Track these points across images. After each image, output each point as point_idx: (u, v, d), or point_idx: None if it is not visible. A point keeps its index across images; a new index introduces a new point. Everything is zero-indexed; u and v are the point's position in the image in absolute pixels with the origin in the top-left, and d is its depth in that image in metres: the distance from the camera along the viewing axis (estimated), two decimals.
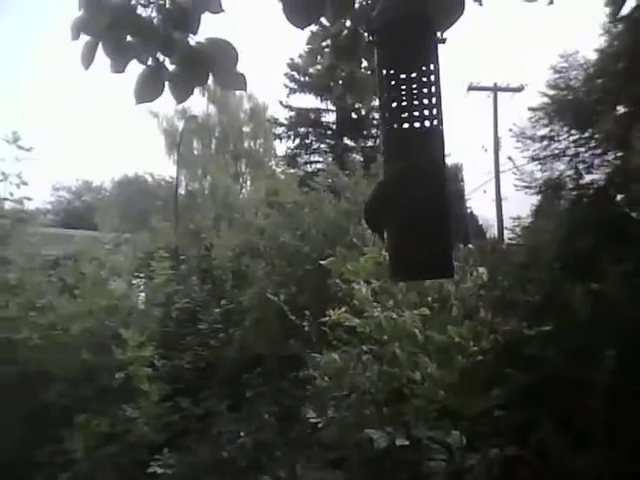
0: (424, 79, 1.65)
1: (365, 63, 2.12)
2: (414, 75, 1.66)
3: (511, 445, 2.88)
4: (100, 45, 1.74)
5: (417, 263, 1.63)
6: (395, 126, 1.67)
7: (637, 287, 3.94)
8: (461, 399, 2.90)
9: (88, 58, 1.76)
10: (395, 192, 1.62)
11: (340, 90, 2.28)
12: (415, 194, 1.60)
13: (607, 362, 3.29)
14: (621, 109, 6.63)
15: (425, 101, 1.65)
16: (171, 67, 1.77)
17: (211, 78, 1.75)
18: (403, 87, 1.66)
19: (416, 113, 1.65)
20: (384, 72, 1.67)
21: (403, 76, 1.66)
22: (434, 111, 1.66)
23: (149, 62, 1.76)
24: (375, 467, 3.03)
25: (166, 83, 1.76)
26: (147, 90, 1.74)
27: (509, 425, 3.07)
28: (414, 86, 1.66)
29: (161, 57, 1.76)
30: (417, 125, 1.65)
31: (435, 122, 1.66)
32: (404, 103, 1.67)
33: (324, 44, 2.37)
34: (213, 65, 1.71)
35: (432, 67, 1.66)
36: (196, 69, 1.71)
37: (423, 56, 1.67)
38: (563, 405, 3.23)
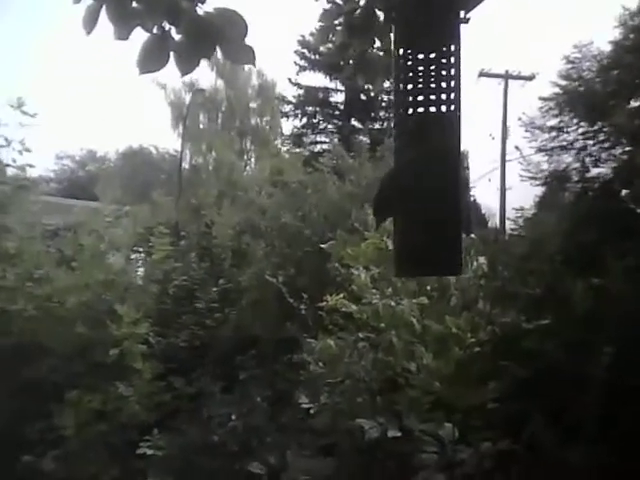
0: (443, 61, 1.54)
1: (378, 43, 2.02)
2: (433, 56, 1.55)
3: (503, 439, 2.83)
4: (104, 10, 1.66)
5: (425, 258, 1.54)
6: (410, 110, 1.57)
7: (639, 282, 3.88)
8: (456, 391, 2.85)
9: (90, 23, 1.67)
10: (406, 182, 1.53)
11: (350, 70, 2.18)
12: (427, 185, 1.51)
13: (604, 358, 3.23)
14: (635, 103, 6.51)
15: (443, 84, 1.55)
16: (177, 37, 1.68)
17: (219, 50, 1.67)
18: (420, 68, 1.56)
19: (433, 97, 1.55)
20: (401, 52, 1.57)
21: (421, 57, 1.56)
22: (452, 95, 1.55)
23: (154, 30, 1.67)
24: (366, 456, 2.98)
25: (171, 53, 1.67)
26: (151, 60, 1.65)
27: (502, 418, 3.02)
28: (432, 68, 1.55)
29: (167, 26, 1.67)
30: (433, 109, 1.54)
31: (452, 107, 1.55)
32: (420, 86, 1.56)
33: (336, 22, 2.26)
34: (221, 37, 1.62)
35: (453, 48, 1.55)
36: (203, 40, 1.62)
37: (444, 36, 1.56)
38: (558, 399, 3.18)
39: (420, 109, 1.55)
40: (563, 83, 16.90)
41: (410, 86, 1.57)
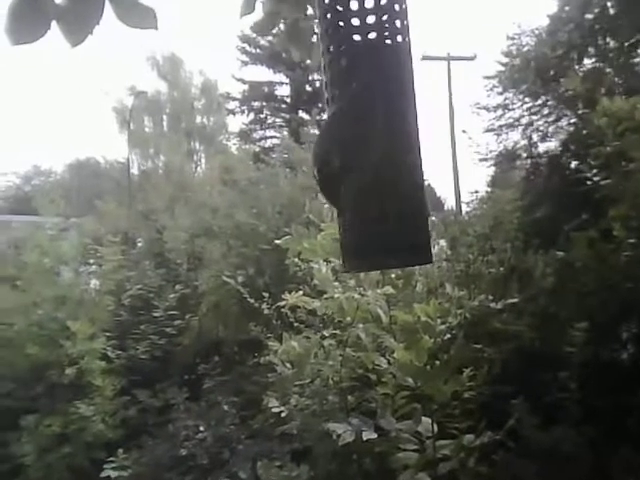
0: None
1: (311, 11, 1.84)
2: None
3: (484, 428, 2.74)
4: None
5: (381, 245, 1.16)
6: (342, 48, 1.21)
7: (603, 253, 3.85)
8: (430, 383, 2.73)
9: None
10: (349, 146, 1.16)
11: (284, 41, 1.97)
12: (374, 136, 1.15)
13: (577, 333, 3.18)
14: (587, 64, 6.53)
15: (384, 13, 1.19)
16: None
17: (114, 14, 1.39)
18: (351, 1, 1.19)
19: (371, 29, 1.19)
20: None
21: None
22: (397, 23, 1.21)
23: None
24: (341, 461, 2.85)
25: (55, 22, 1.37)
26: (25, 27, 1.30)
27: (481, 406, 2.93)
28: None
29: None
30: (374, 43, 1.20)
31: (400, 37, 1.21)
32: (355, 21, 1.20)
33: None
34: None
35: None
36: (89, 0, 1.36)
37: None
38: (536, 380, 3.11)
39: (356, 37, 1.20)
40: (505, 60, 17.14)
41: (340, 21, 1.21)
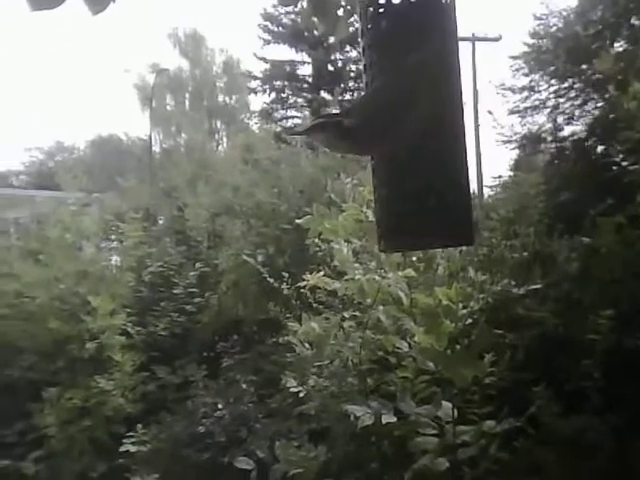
0: None
1: None
2: None
3: (505, 414, 2.70)
4: None
5: (421, 223, 1.10)
6: (380, 10, 1.13)
7: (630, 239, 3.76)
8: (451, 367, 2.69)
9: None
10: (389, 107, 1.06)
11: (308, 14, 1.90)
12: (421, 109, 1.06)
13: (604, 321, 3.11)
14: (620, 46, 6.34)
15: None
16: None
17: None
18: None
19: None
20: None
21: None
22: None
23: None
24: (359, 443, 2.84)
25: None
26: None
27: (502, 392, 2.89)
28: None
29: None
30: (416, 3, 1.13)
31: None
32: None
33: None
34: None
35: None
36: None
37: None
38: (558, 368, 3.07)
39: (397, 4, 1.13)
40: (532, 42, 16.80)
41: None
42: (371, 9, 1.15)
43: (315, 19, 1.84)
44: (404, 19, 1.13)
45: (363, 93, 1.23)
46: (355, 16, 1.33)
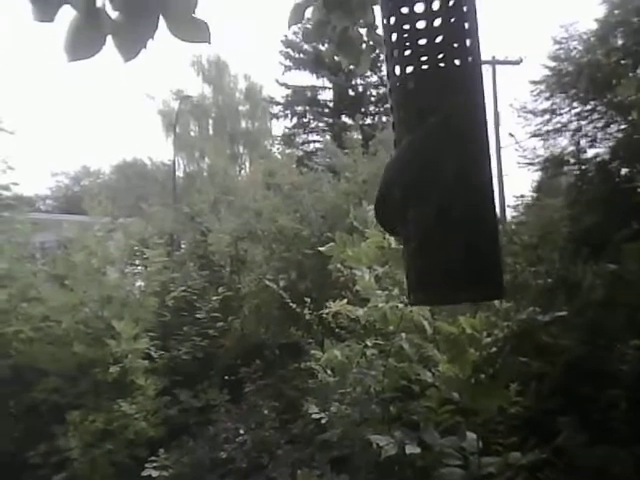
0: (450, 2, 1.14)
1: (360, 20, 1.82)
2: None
3: (531, 445, 2.66)
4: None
5: (449, 278, 1.12)
6: (409, 70, 1.15)
7: None
8: (475, 397, 2.67)
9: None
10: (418, 173, 1.11)
11: (331, 51, 1.94)
12: (447, 166, 1.09)
13: (629, 352, 3.07)
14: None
15: (453, 32, 1.13)
16: (113, 15, 1.39)
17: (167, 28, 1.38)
18: (420, 23, 1.15)
19: (440, 49, 1.13)
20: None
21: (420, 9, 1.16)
22: (467, 42, 1.13)
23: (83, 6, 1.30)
24: (382, 471, 2.81)
25: (109, 37, 1.37)
26: (82, 44, 1.32)
27: (527, 422, 2.85)
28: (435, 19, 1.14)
29: (99, 1, 1.33)
30: (442, 65, 1.14)
31: (470, 58, 1.14)
32: (422, 41, 1.14)
33: None
34: (164, 10, 1.32)
35: None
36: (143, 15, 1.32)
37: None
38: (585, 397, 3.02)
39: (424, 66, 1.15)
40: (552, 65, 16.76)
41: (408, 43, 1.16)
42: (398, 68, 1.18)
43: (338, 57, 1.88)
44: (431, 79, 1.16)
45: (392, 153, 1.25)
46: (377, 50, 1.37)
